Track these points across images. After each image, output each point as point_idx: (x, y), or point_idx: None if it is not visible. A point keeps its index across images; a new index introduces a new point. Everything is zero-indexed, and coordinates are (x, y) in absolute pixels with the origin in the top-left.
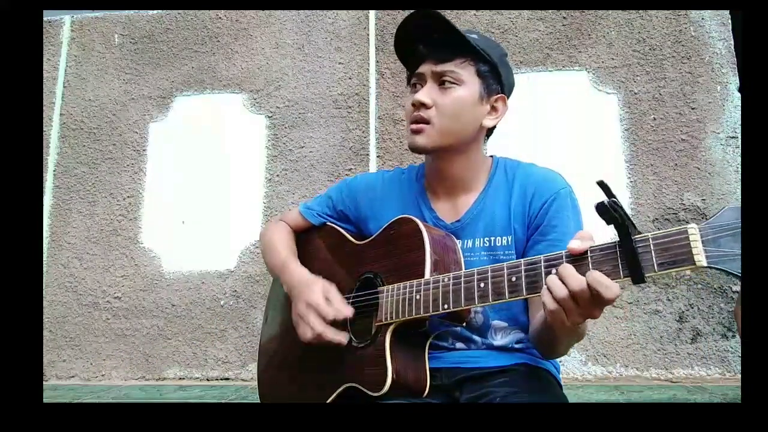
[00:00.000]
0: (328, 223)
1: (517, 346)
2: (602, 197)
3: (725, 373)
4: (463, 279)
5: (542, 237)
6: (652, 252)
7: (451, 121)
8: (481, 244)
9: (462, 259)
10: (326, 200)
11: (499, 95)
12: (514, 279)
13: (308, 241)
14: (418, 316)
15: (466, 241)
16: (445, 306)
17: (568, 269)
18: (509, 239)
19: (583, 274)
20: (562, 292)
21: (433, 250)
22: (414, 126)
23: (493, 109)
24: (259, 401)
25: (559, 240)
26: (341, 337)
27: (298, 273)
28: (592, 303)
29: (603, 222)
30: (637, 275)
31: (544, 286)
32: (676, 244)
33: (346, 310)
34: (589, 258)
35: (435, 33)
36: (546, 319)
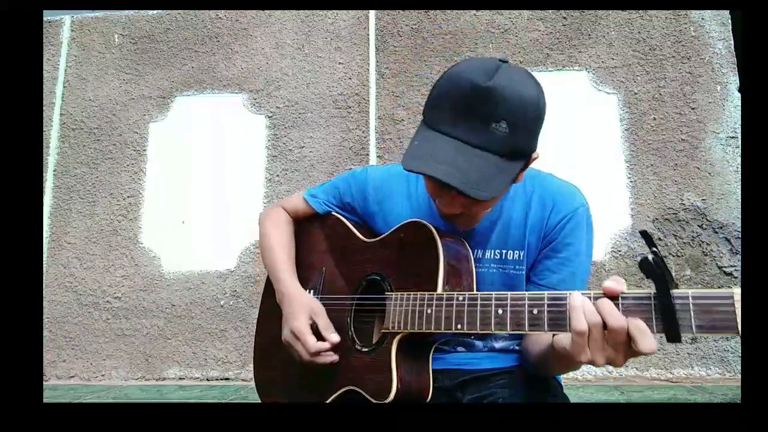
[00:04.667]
0: (333, 213)
1: (517, 348)
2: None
3: (725, 373)
4: (479, 302)
5: (554, 253)
6: (691, 312)
7: (487, 209)
8: (492, 256)
9: (474, 269)
10: (332, 189)
11: (531, 157)
12: (535, 312)
13: (309, 229)
14: (428, 331)
15: (477, 251)
16: (459, 326)
17: (607, 304)
18: (521, 254)
19: None
20: (596, 323)
21: (446, 260)
22: (449, 218)
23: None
24: (259, 401)
25: (569, 260)
26: (332, 359)
27: (289, 288)
28: (622, 347)
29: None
30: (672, 333)
31: (579, 314)
32: (719, 309)
33: (332, 337)
34: (621, 304)
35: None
36: (556, 346)
